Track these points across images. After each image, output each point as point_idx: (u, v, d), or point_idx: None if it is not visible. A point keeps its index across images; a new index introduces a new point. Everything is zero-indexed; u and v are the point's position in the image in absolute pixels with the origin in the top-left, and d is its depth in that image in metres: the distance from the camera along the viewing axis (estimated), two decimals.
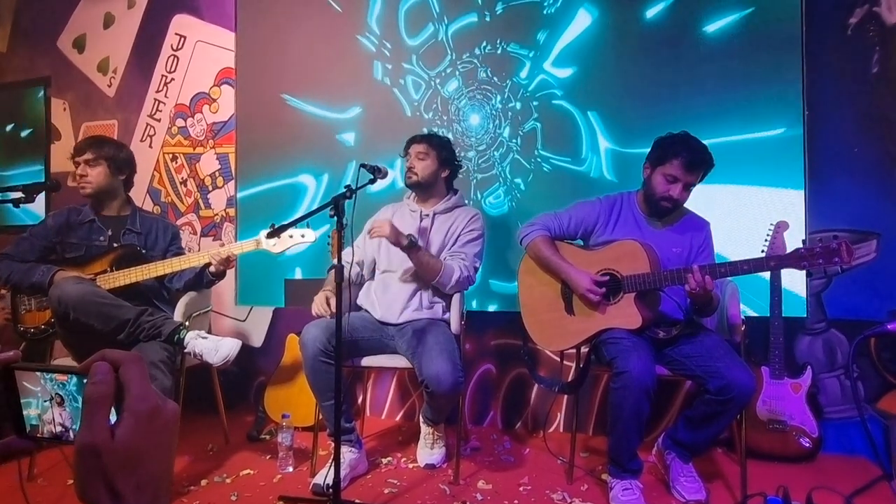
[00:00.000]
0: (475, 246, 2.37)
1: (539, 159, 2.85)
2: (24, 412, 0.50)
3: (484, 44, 2.93)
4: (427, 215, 2.38)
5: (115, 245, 2.36)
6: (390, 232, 2.14)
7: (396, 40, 3.03)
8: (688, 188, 2.03)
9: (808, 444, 2.31)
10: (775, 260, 1.80)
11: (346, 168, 3.05)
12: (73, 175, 2.46)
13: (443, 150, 2.38)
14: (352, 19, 3.07)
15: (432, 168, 2.36)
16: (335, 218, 1.85)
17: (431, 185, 2.39)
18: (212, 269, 2.25)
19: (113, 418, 0.43)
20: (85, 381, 0.47)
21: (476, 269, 2.36)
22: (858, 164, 2.47)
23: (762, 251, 2.34)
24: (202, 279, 2.33)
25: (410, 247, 2.18)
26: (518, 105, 2.89)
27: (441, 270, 2.23)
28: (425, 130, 2.77)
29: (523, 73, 2.88)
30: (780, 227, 2.32)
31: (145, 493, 0.43)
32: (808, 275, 2.44)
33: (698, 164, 2.00)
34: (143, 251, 2.38)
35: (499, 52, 2.92)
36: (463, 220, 2.38)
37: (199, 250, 2.63)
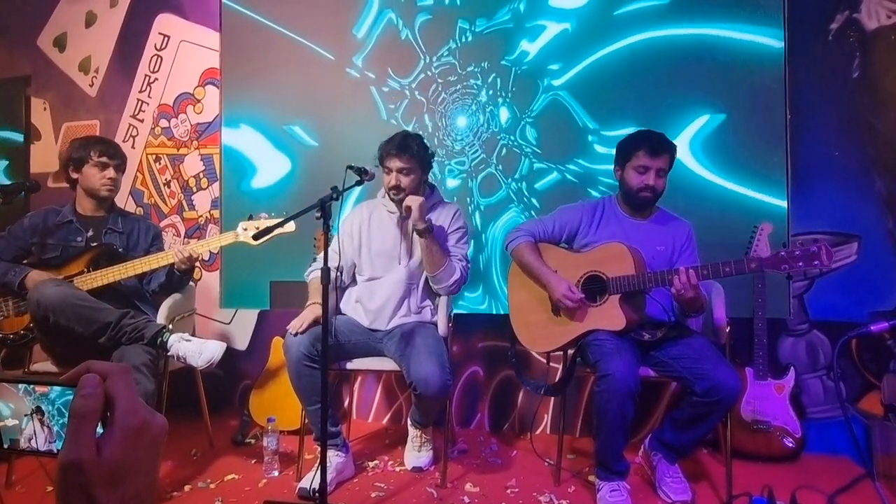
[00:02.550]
0: (465, 244, 2.35)
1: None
2: (2, 425, 0.48)
3: (456, 33, 2.83)
4: (406, 217, 2.30)
5: (93, 245, 2.31)
6: (418, 210, 2.12)
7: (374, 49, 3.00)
8: (660, 174, 2.09)
9: (791, 444, 2.34)
10: (756, 262, 1.83)
11: (333, 170, 3.02)
12: (61, 173, 2.40)
13: (422, 155, 2.25)
14: (338, 20, 3.05)
15: (418, 179, 2.25)
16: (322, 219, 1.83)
17: (416, 193, 2.28)
18: (176, 266, 2.21)
19: (98, 431, 0.42)
20: (68, 391, 0.46)
21: (469, 269, 2.34)
22: (840, 167, 2.51)
23: (745, 253, 2.37)
24: (173, 279, 2.29)
25: (428, 231, 2.15)
26: (511, 90, 2.73)
27: (446, 264, 2.21)
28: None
29: (512, 48, 2.75)
30: (764, 229, 2.35)
31: None
32: (789, 277, 2.47)
33: (660, 147, 2.08)
34: (121, 250, 2.34)
35: (469, 38, 2.83)
36: (446, 218, 2.33)
37: None
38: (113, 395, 0.43)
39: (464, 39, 2.87)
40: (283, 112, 3.08)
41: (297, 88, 3.08)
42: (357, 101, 2.99)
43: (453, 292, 2.31)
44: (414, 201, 2.14)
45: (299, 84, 3.07)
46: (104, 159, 2.31)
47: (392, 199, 2.28)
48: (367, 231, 2.35)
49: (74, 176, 2.34)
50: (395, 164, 2.20)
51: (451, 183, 2.91)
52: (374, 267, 2.33)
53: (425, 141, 2.31)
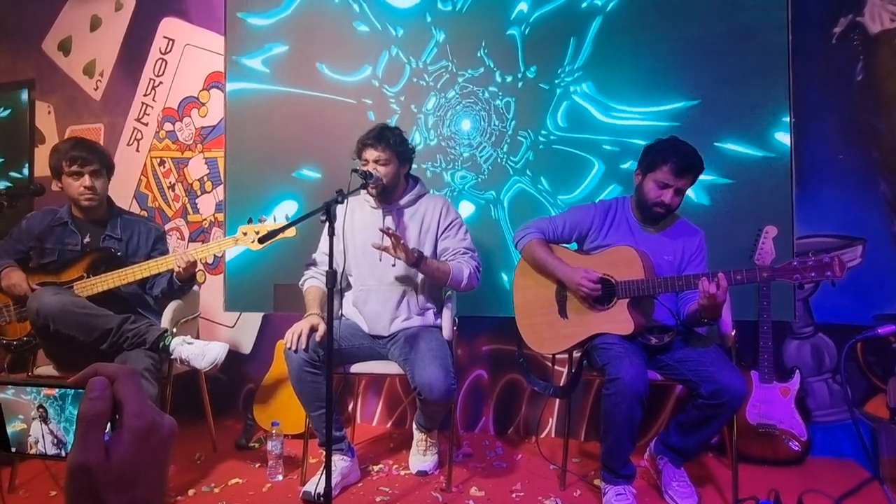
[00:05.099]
0: (467, 235, 2.30)
1: None
2: (8, 429, 0.48)
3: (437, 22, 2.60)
4: (389, 211, 2.28)
5: (90, 249, 2.28)
6: (405, 255, 2.03)
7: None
8: (679, 193, 2.05)
9: (797, 448, 2.33)
10: (768, 271, 1.82)
11: (338, 170, 3.02)
12: (55, 184, 2.31)
13: (400, 147, 2.20)
14: (342, 23, 3.05)
15: (395, 170, 2.20)
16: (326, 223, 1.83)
17: (396, 185, 2.26)
18: (176, 274, 2.17)
19: (107, 434, 0.42)
20: (72, 394, 0.46)
21: (478, 256, 2.29)
22: (844, 170, 2.51)
23: (751, 256, 2.37)
24: (173, 287, 2.25)
25: (420, 261, 2.09)
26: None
27: (450, 273, 2.17)
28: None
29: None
30: (769, 232, 2.35)
31: None
32: (800, 287, 2.47)
33: (688, 168, 2.01)
34: (119, 254, 2.29)
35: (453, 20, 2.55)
36: (434, 211, 2.28)
37: None
38: (121, 398, 0.43)
39: (446, 30, 2.61)
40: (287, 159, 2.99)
41: (298, 132, 2.98)
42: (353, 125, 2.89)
43: (473, 287, 2.25)
44: (391, 247, 2.03)
45: (299, 127, 2.99)
46: (75, 168, 2.20)
47: (370, 193, 2.23)
48: (351, 229, 2.30)
49: (58, 186, 2.27)
50: (372, 154, 2.17)
51: (467, 209, 2.58)
52: (360, 267, 2.28)
53: (404, 135, 2.26)
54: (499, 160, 2.64)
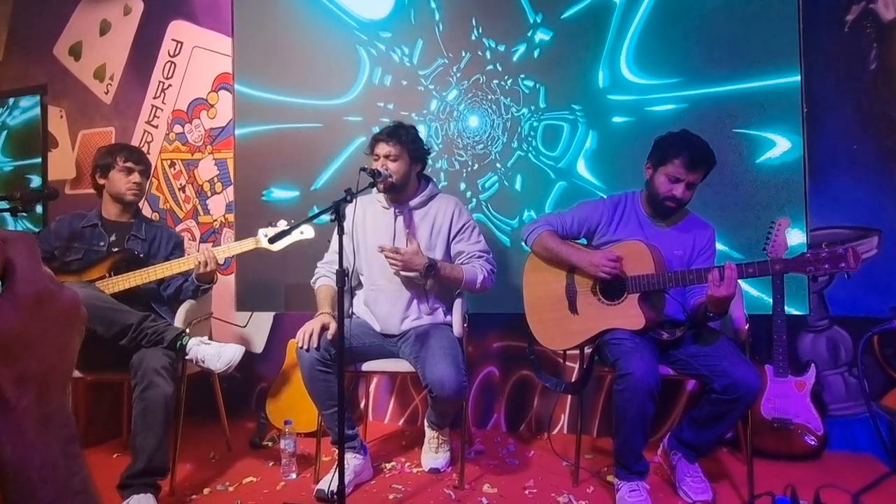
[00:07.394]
0: (479, 237, 2.30)
1: None
2: None
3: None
4: (401, 212, 2.28)
5: (115, 250, 2.36)
6: (416, 266, 2.07)
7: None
8: (691, 187, 2.03)
9: (813, 442, 2.30)
10: (781, 264, 1.80)
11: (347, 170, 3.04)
12: (89, 178, 2.49)
13: (413, 145, 2.20)
14: (349, 26, 3.06)
15: (405, 168, 2.20)
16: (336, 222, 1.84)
17: (406, 183, 2.26)
18: (195, 272, 2.22)
19: None
20: None
21: (492, 258, 2.28)
22: (858, 160, 2.47)
23: (763, 249, 2.34)
24: (191, 285, 2.32)
25: (430, 270, 2.10)
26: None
27: (463, 278, 2.18)
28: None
29: None
30: (782, 224, 2.32)
31: (29, 388, 0.38)
32: (813, 279, 2.43)
33: (700, 162, 1.99)
34: (142, 256, 2.37)
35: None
36: (446, 212, 2.28)
37: None
38: (11, 261, 0.38)
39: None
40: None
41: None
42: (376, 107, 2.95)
43: (486, 289, 2.26)
44: (403, 264, 2.08)
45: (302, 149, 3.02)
46: (129, 164, 2.38)
47: (380, 190, 2.23)
48: (363, 229, 2.31)
49: (101, 182, 2.41)
50: (383, 149, 2.18)
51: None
52: (371, 267, 2.29)
53: (420, 134, 2.26)
54: (526, 157, 2.56)
